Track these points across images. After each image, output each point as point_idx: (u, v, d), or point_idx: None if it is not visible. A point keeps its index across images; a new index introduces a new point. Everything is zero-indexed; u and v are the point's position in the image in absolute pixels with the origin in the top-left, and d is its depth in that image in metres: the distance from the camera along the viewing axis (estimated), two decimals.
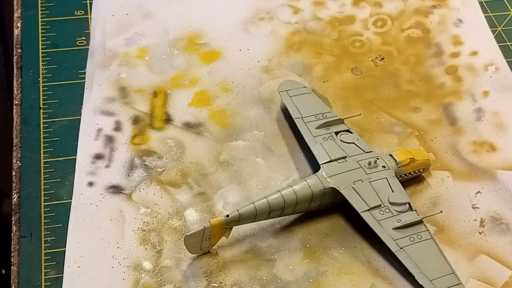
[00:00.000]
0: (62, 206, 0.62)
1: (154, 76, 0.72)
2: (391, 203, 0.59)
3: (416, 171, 0.64)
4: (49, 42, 0.74)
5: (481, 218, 0.62)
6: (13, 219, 0.61)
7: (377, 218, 0.59)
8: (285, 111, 0.68)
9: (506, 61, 0.74)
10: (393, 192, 0.60)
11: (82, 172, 0.64)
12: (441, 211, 0.62)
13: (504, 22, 0.79)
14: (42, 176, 0.63)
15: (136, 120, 0.68)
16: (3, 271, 0.92)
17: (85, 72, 0.71)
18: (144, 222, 0.61)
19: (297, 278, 0.58)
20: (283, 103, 0.68)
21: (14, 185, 0.63)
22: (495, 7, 0.80)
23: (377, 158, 0.62)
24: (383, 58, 0.75)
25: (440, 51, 0.75)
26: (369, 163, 0.61)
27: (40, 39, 0.74)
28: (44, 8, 0.77)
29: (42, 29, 0.75)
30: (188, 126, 0.68)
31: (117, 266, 0.58)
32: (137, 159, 0.65)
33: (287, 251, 0.59)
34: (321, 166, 0.61)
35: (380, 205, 0.59)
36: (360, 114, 0.68)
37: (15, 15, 0.76)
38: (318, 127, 0.65)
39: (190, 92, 0.70)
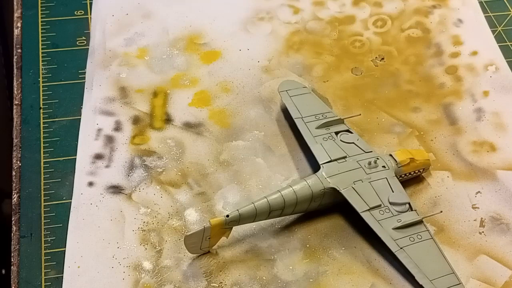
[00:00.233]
0: (62, 206, 0.62)
1: (154, 76, 0.72)
2: (391, 203, 0.59)
3: (416, 171, 0.64)
4: (49, 42, 0.74)
5: (481, 218, 0.62)
6: (13, 219, 0.61)
7: (377, 218, 0.59)
8: (285, 111, 0.68)
9: (506, 61, 0.74)
10: (393, 192, 0.60)
11: (82, 172, 0.64)
12: (441, 211, 0.62)
13: (504, 22, 0.79)
14: (42, 176, 0.63)
15: (136, 120, 0.68)
16: (3, 271, 0.92)
17: (85, 72, 0.71)
18: (144, 222, 0.61)
19: (297, 278, 0.58)
20: (283, 103, 0.68)
21: (14, 185, 0.63)
22: (495, 7, 0.80)
23: (377, 158, 0.62)
24: (383, 58, 0.75)
25: (440, 51, 0.75)
26: (369, 163, 0.61)
27: (40, 39, 0.74)
28: (44, 8, 0.77)
29: (42, 29, 0.75)
30: (188, 126, 0.68)
31: (117, 266, 0.58)
32: (137, 159, 0.65)
33: (287, 251, 0.59)
34: (321, 166, 0.61)
35: (380, 205, 0.59)
36: (360, 114, 0.68)
37: (15, 15, 0.76)
38: (318, 127, 0.65)
39: (190, 92, 0.70)
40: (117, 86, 0.70)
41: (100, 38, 0.74)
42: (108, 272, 0.58)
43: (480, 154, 0.67)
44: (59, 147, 0.66)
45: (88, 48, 0.73)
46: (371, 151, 0.63)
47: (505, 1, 0.81)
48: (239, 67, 0.73)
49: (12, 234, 0.60)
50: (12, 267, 0.58)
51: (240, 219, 0.57)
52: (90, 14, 0.77)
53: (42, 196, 0.62)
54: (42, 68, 0.71)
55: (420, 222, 0.59)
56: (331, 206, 0.61)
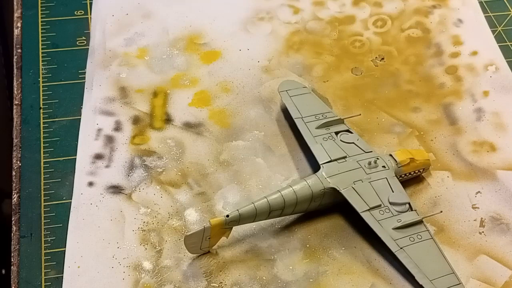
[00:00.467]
0: (62, 206, 0.62)
1: (154, 76, 0.72)
2: (391, 203, 0.59)
3: (416, 171, 0.64)
4: (49, 42, 0.74)
5: (481, 218, 0.62)
6: (13, 219, 0.61)
7: (377, 218, 0.59)
8: (285, 111, 0.68)
9: (506, 61, 0.74)
10: (393, 192, 0.60)
11: (82, 172, 0.64)
12: (441, 211, 0.62)
13: (504, 22, 0.79)
14: (42, 176, 0.63)
15: (136, 120, 0.68)
16: (3, 271, 0.92)
17: (85, 72, 0.71)
18: (144, 222, 0.61)
19: (297, 278, 0.58)
20: (283, 103, 0.68)
21: (14, 185, 0.63)
22: (495, 7, 0.80)
23: (377, 158, 0.62)
24: (383, 58, 0.75)
25: (440, 51, 0.75)
26: (369, 163, 0.61)
27: (40, 39, 0.74)
28: (44, 8, 0.77)
29: (42, 29, 0.75)
30: (188, 126, 0.68)
31: (117, 266, 0.58)
32: (137, 159, 0.65)
33: (287, 251, 0.59)
34: (321, 166, 0.61)
35: (380, 205, 0.59)
36: (360, 114, 0.68)
37: (15, 15, 0.76)
38: (318, 127, 0.65)
39: (190, 92, 0.70)
40: (117, 86, 0.70)
41: (100, 38, 0.74)
42: (108, 272, 0.58)
43: (480, 154, 0.67)
44: (59, 147, 0.66)
45: (88, 48, 0.73)
46: (371, 151, 0.63)
47: (505, 1, 0.81)
48: (239, 67, 0.73)
49: (12, 234, 0.60)
50: (12, 267, 0.58)
51: (240, 219, 0.57)
52: (90, 14, 0.77)
53: (42, 196, 0.62)
54: (42, 68, 0.71)
55: (420, 222, 0.59)
56: (331, 206, 0.61)
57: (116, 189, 0.63)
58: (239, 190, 0.63)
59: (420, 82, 0.72)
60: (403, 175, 0.63)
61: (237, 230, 0.59)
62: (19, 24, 0.76)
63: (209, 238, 0.57)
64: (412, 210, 0.59)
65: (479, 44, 0.76)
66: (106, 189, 0.62)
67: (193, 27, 0.76)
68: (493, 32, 0.77)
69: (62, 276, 0.57)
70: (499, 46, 0.76)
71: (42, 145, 0.66)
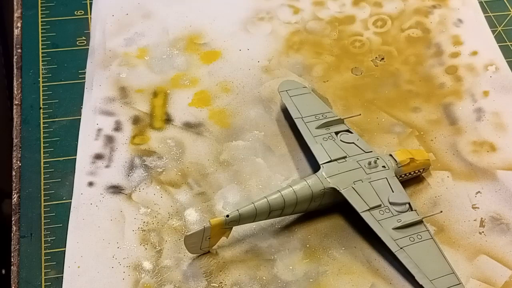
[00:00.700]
0: (62, 206, 0.62)
1: (154, 76, 0.72)
2: (391, 203, 0.59)
3: (416, 171, 0.64)
4: (49, 42, 0.74)
5: (481, 218, 0.62)
6: (13, 219, 0.61)
7: (377, 218, 0.59)
8: (285, 111, 0.68)
9: (506, 61, 0.74)
10: (393, 192, 0.60)
11: (82, 172, 0.64)
12: (441, 211, 0.62)
13: (504, 22, 0.79)
14: (42, 176, 0.63)
15: (136, 120, 0.68)
16: (3, 271, 0.92)
17: (85, 72, 0.71)
18: (144, 222, 0.61)
19: (297, 278, 0.58)
20: (283, 103, 0.68)
21: (14, 185, 0.63)
22: (495, 7, 0.80)
23: (377, 158, 0.62)
24: (383, 58, 0.75)
25: (440, 51, 0.75)
26: (369, 163, 0.61)
27: (40, 39, 0.74)
28: (44, 8, 0.77)
29: (42, 29, 0.75)
30: (188, 126, 0.68)
31: (117, 266, 0.58)
32: (137, 159, 0.65)
33: (287, 251, 0.59)
34: (321, 166, 0.61)
35: (380, 205, 0.59)
36: (360, 114, 0.68)
37: (15, 15, 0.76)
38: (318, 127, 0.65)
39: (190, 92, 0.70)
40: (117, 86, 0.70)
41: (100, 38, 0.74)
42: (108, 272, 0.58)
43: (480, 154, 0.67)
44: (59, 147, 0.66)
45: (88, 48, 0.73)
46: (371, 151, 0.63)
47: (505, 1, 0.81)
48: (239, 67, 0.73)
49: (12, 234, 0.60)
50: (12, 267, 0.58)
51: (240, 219, 0.57)
52: (90, 14, 0.77)
53: (42, 196, 0.62)
54: (42, 68, 0.71)
55: (420, 222, 0.59)
56: (331, 206, 0.61)
57: (116, 189, 0.63)
58: (239, 190, 0.63)
59: (420, 82, 0.72)
60: (403, 175, 0.63)
61: (237, 230, 0.59)
62: (19, 24, 0.76)
63: (209, 238, 0.57)
64: (412, 210, 0.59)
65: (479, 44, 0.76)
66: (106, 189, 0.62)
67: (193, 27, 0.76)
68: (493, 32, 0.77)
69: (62, 276, 0.57)
70: (499, 46, 0.76)
71: (42, 145, 0.66)
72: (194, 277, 0.58)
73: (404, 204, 0.60)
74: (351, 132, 0.65)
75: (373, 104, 0.70)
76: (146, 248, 0.59)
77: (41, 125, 0.67)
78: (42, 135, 0.66)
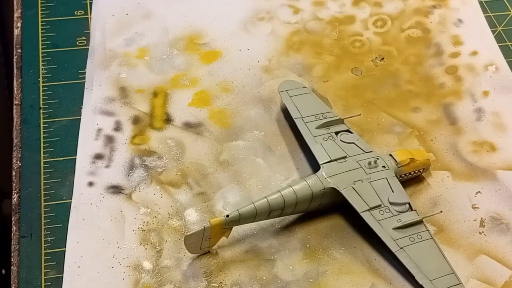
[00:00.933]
0: (62, 206, 0.62)
1: (154, 76, 0.72)
2: (391, 203, 0.59)
3: (416, 171, 0.64)
4: (49, 42, 0.74)
5: (481, 218, 0.62)
6: (13, 219, 0.61)
7: (377, 218, 0.59)
8: (285, 111, 0.68)
9: (506, 61, 0.74)
10: (393, 192, 0.60)
11: (82, 172, 0.64)
12: (441, 211, 0.62)
13: (504, 22, 0.79)
14: (42, 176, 0.63)
15: (136, 120, 0.68)
16: (3, 271, 0.92)
17: (85, 72, 0.71)
18: (144, 222, 0.61)
19: (297, 278, 0.58)
20: (283, 103, 0.68)
21: (14, 185, 0.63)
22: (495, 7, 0.80)
23: (377, 158, 0.62)
24: (383, 58, 0.75)
25: (440, 51, 0.75)
26: (369, 163, 0.61)
27: (40, 39, 0.74)
28: (44, 8, 0.77)
29: (42, 29, 0.75)
30: (188, 126, 0.68)
31: (117, 266, 0.58)
32: (137, 159, 0.65)
33: (287, 251, 0.59)
34: (321, 166, 0.61)
35: (380, 205, 0.59)
36: (360, 114, 0.68)
37: (15, 15, 0.76)
38: (318, 127, 0.65)
39: (190, 92, 0.70)
40: (117, 86, 0.70)
41: (100, 38, 0.74)
42: (108, 272, 0.58)
43: (480, 154, 0.67)
44: (59, 147, 0.66)
45: (88, 48, 0.73)
46: (371, 151, 0.63)
47: (505, 1, 0.81)
48: (239, 67, 0.73)
49: (12, 234, 0.60)
50: (12, 267, 0.58)
51: (240, 219, 0.57)
52: (90, 14, 0.77)
53: (42, 196, 0.62)
54: (42, 68, 0.71)
55: (420, 222, 0.59)
56: (331, 206, 0.61)
57: (116, 189, 0.63)
58: (239, 190, 0.63)
59: (420, 82, 0.72)
60: (403, 175, 0.63)
61: (237, 230, 0.59)
62: (19, 24, 0.76)
63: (209, 238, 0.57)
64: (412, 210, 0.59)
65: (479, 44, 0.76)
66: (106, 189, 0.62)
67: (193, 27, 0.76)
68: (493, 32, 0.77)
69: (62, 276, 0.57)
70: (499, 46, 0.76)
71: (42, 145, 0.66)
72: (194, 277, 0.58)
73: (404, 204, 0.60)
74: (351, 132, 0.65)
75: (373, 104, 0.70)
76: (146, 248, 0.59)
77: (41, 125, 0.67)
78: (42, 135, 0.66)
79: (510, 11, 0.80)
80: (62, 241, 0.59)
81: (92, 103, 0.69)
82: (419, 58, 0.75)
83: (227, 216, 0.57)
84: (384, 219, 0.59)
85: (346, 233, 0.61)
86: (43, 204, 0.62)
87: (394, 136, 0.68)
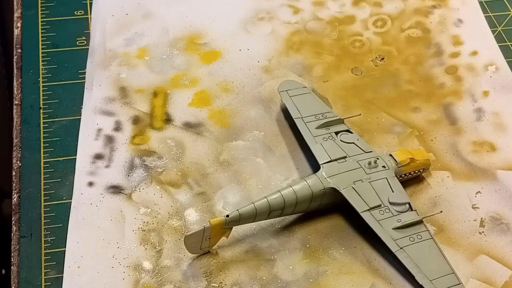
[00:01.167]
0: (62, 206, 0.62)
1: (154, 76, 0.72)
2: (391, 203, 0.59)
3: (416, 171, 0.64)
4: (49, 42, 0.74)
5: (481, 218, 0.62)
6: (13, 219, 0.61)
7: (377, 218, 0.59)
8: (285, 111, 0.68)
9: (506, 61, 0.74)
10: (393, 192, 0.60)
11: (82, 172, 0.64)
12: (441, 211, 0.62)
13: (504, 22, 0.79)
14: (42, 176, 0.63)
15: (136, 120, 0.68)
16: (3, 271, 0.92)
17: (85, 72, 0.71)
18: (144, 222, 0.61)
19: (297, 278, 0.58)
20: (283, 103, 0.68)
21: (14, 185, 0.63)
22: (495, 7, 0.80)
23: (377, 158, 0.62)
24: (383, 58, 0.75)
25: (440, 51, 0.75)
26: (369, 163, 0.61)
27: (40, 39, 0.74)
28: (44, 8, 0.77)
29: (42, 29, 0.75)
30: (188, 126, 0.68)
31: (117, 266, 0.58)
32: (137, 159, 0.65)
33: (287, 251, 0.59)
34: (321, 166, 0.61)
35: (380, 205, 0.59)
36: (360, 114, 0.68)
37: (15, 15, 0.76)
38: (318, 127, 0.65)
39: (190, 92, 0.70)
40: (117, 86, 0.70)
41: (100, 38, 0.74)
42: (108, 272, 0.58)
43: (480, 154, 0.67)
44: (59, 147, 0.66)
45: (88, 48, 0.74)
46: (371, 151, 0.63)
47: (505, 1, 0.81)
48: (239, 67, 0.73)
49: (12, 234, 0.60)
50: (12, 267, 0.58)
51: (240, 219, 0.57)
52: (90, 14, 0.77)
53: (42, 196, 0.62)
54: (42, 68, 0.72)
55: (420, 222, 0.59)
56: (331, 206, 0.61)
57: (116, 189, 0.63)
58: (239, 190, 0.63)
59: (420, 82, 0.72)
60: (403, 175, 0.63)
61: (237, 230, 0.59)
62: (19, 24, 0.76)
63: (209, 238, 0.57)
64: (412, 210, 0.59)
65: (479, 44, 0.76)
66: (106, 189, 0.62)
67: (193, 27, 0.76)
68: (493, 32, 0.77)
69: (62, 276, 0.57)
70: (499, 46, 0.76)
71: (42, 145, 0.66)
72: (194, 277, 0.58)
73: (404, 204, 0.60)
74: (351, 132, 0.65)
75: (373, 104, 0.70)
76: (146, 248, 0.59)
77: (41, 125, 0.67)
78: (42, 135, 0.66)
79: (510, 11, 0.80)
80: (62, 241, 0.59)
81: (92, 103, 0.69)
82: (419, 58, 0.75)
83: (227, 216, 0.57)
84: (384, 219, 0.59)
85: (346, 233, 0.61)
86: (43, 204, 0.62)
87: (394, 136, 0.68)
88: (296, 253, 0.59)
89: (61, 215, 0.61)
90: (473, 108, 0.70)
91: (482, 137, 0.68)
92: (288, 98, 0.68)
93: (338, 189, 0.60)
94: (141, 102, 0.69)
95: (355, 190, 0.60)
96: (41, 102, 0.69)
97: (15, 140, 0.66)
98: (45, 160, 0.65)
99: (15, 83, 0.70)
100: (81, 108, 0.69)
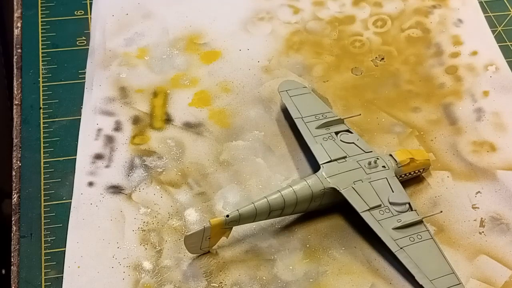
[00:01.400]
0: (62, 206, 0.62)
1: (154, 76, 0.72)
2: (391, 203, 0.59)
3: (416, 171, 0.64)
4: (49, 42, 0.74)
5: (481, 218, 0.62)
6: (13, 219, 0.61)
7: (377, 218, 0.59)
8: (285, 111, 0.68)
9: (506, 61, 0.74)
10: (393, 192, 0.60)
11: (82, 172, 0.64)
12: (441, 211, 0.62)
13: (504, 22, 0.79)
14: (42, 176, 0.63)
15: (136, 120, 0.68)
16: (3, 271, 0.92)
17: (85, 72, 0.71)
18: (144, 222, 0.61)
19: (297, 278, 0.58)
20: (283, 103, 0.68)
21: (14, 185, 0.63)
22: (495, 7, 0.80)
23: (377, 158, 0.62)
24: (383, 58, 0.75)
25: (440, 51, 0.75)
26: (369, 163, 0.61)
27: (40, 39, 0.74)
28: (44, 8, 0.77)
29: (42, 29, 0.75)
30: (188, 126, 0.68)
31: (117, 266, 0.58)
32: (137, 159, 0.65)
33: (287, 251, 0.59)
34: (321, 166, 0.61)
35: (380, 205, 0.59)
36: (360, 114, 0.68)
37: (15, 15, 0.76)
38: (318, 127, 0.65)
39: (190, 92, 0.70)
40: (117, 86, 0.70)
41: (100, 38, 0.74)
42: (108, 272, 0.58)
43: (480, 154, 0.67)
44: (59, 147, 0.66)
45: (88, 48, 0.74)
46: (371, 151, 0.63)
47: (505, 1, 0.81)
48: (239, 67, 0.73)
49: (12, 234, 0.60)
50: (12, 267, 0.58)
51: (240, 219, 0.57)
52: (90, 14, 0.77)
53: (42, 196, 0.62)
54: (42, 68, 0.72)
55: (420, 222, 0.59)
56: (331, 206, 0.61)
57: (116, 189, 0.63)
58: (239, 190, 0.63)
59: (420, 82, 0.73)
60: (403, 175, 0.63)
61: (237, 230, 0.59)
62: (19, 24, 0.76)
63: (209, 238, 0.57)
64: (412, 210, 0.59)
65: (479, 44, 0.76)
66: (106, 189, 0.62)
67: (193, 27, 0.76)
68: (493, 32, 0.77)
69: (62, 276, 0.57)
70: (499, 46, 0.76)
71: (42, 145, 0.66)
72: (194, 277, 0.58)
73: (404, 204, 0.60)
74: (351, 132, 0.65)
75: (373, 104, 0.70)
76: (146, 248, 0.59)
77: (41, 125, 0.67)
78: (42, 135, 0.66)
79: (510, 11, 0.80)
80: (62, 241, 0.59)
81: (92, 103, 0.69)
82: (419, 58, 0.75)
83: (227, 216, 0.57)
84: (384, 219, 0.59)
85: (346, 233, 0.61)
86: (43, 204, 0.62)
87: (394, 136, 0.68)
88: (296, 253, 0.59)
89: (61, 215, 0.61)
90: (473, 108, 0.70)
91: (482, 137, 0.68)
92: (288, 98, 0.68)
93: (338, 189, 0.60)
94: (141, 102, 0.69)
95: (355, 190, 0.60)
96: (41, 102, 0.69)
97: (15, 140, 0.66)
98: (45, 160, 0.65)
99: (15, 83, 0.70)
100: (81, 108, 0.69)
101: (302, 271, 0.58)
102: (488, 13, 0.79)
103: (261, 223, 0.60)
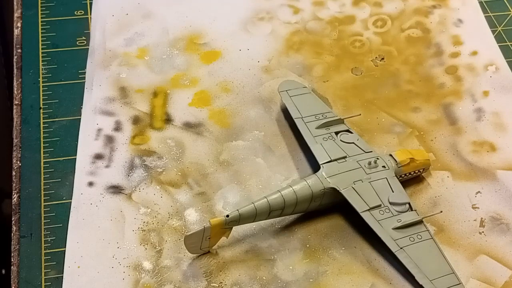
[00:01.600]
0: (62, 206, 0.62)
1: (154, 76, 0.72)
2: (391, 203, 0.59)
3: (416, 171, 0.64)
4: (49, 42, 0.74)
5: (481, 218, 0.62)
6: (13, 219, 0.61)
7: (377, 218, 0.59)
8: (285, 111, 0.68)
9: (506, 61, 0.74)
10: (393, 192, 0.60)
11: (82, 172, 0.64)
12: (441, 211, 0.62)
13: (504, 22, 0.79)
14: (42, 176, 0.63)
15: (136, 120, 0.68)
16: (3, 271, 0.92)
17: (85, 72, 0.71)
18: (144, 222, 0.61)
19: (297, 278, 0.58)
20: (283, 103, 0.68)
21: (14, 185, 0.63)
22: (495, 7, 0.80)
23: (377, 158, 0.62)
24: (383, 58, 0.75)
25: (440, 51, 0.75)
26: (369, 163, 0.61)
27: (40, 39, 0.74)
28: (44, 8, 0.77)
29: (42, 29, 0.75)
30: (188, 126, 0.68)
31: (117, 266, 0.58)
32: (137, 159, 0.65)
33: (287, 251, 0.59)
34: (321, 166, 0.61)
35: (380, 205, 0.59)
36: (360, 114, 0.68)
37: (15, 15, 0.76)
38: (318, 127, 0.65)
39: (190, 92, 0.70)
40: (117, 86, 0.70)
41: (100, 38, 0.74)
42: (108, 272, 0.58)
43: (480, 154, 0.67)
44: (59, 147, 0.66)
45: (88, 48, 0.74)
46: (371, 151, 0.63)
47: (505, 1, 0.81)
48: (239, 67, 0.73)
49: (12, 234, 0.60)
50: (12, 267, 0.58)
51: (240, 219, 0.57)
52: (90, 14, 0.77)
53: (42, 196, 0.62)
54: (42, 68, 0.72)
55: (420, 222, 0.59)
56: (331, 206, 0.61)
57: (116, 189, 0.63)
58: (239, 190, 0.63)
59: (420, 82, 0.73)
60: (403, 175, 0.63)
61: (237, 230, 0.59)
62: (19, 24, 0.76)
63: (209, 238, 0.57)
64: (412, 210, 0.59)
65: (479, 44, 0.76)
66: (106, 189, 0.62)
67: (193, 27, 0.76)
68: (493, 32, 0.77)
69: (62, 276, 0.57)
70: (499, 46, 0.76)
71: (42, 145, 0.66)
72: (194, 277, 0.58)
73: (404, 204, 0.60)
74: (351, 132, 0.65)
75: (373, 104, 0.70)
76: (146, 248, 0.59)
77: (41, 125, 0.67)
78: (42, 135, 0.66)
79: (510, 11, 0.80)
80: (62, 241, 0.59)
81: (92, 103, 0.69)
82: (419, 58, 0.75)
83: (227, 216, 0.57)
84: (384, 219, 0.59)
85: (346, 233, 0.61)
86: (43, 204, 0.62)
87: (394, 136, 0.68)
88: (296, 253, 0.59)
89: (61, 215, 0.61)
90: (473, 108, 0.70)
91: (482, 137, 0.68)
92: (288, 98, 0.68)
93: (338, 189, 0.60)
94: (141, 102, 0.69)
95: (355, 190, 0.60)
96: (41, 102, 0.69)
97: (15, 140, 0.66)
98: (45, 160, 0.65)
99: (15, 83, 0.70)
100: (81, 108, 0.69)
101: (302, 271, 0.58)
102: (488, 13, 0.79)
103: (261, 223, 0.60)
